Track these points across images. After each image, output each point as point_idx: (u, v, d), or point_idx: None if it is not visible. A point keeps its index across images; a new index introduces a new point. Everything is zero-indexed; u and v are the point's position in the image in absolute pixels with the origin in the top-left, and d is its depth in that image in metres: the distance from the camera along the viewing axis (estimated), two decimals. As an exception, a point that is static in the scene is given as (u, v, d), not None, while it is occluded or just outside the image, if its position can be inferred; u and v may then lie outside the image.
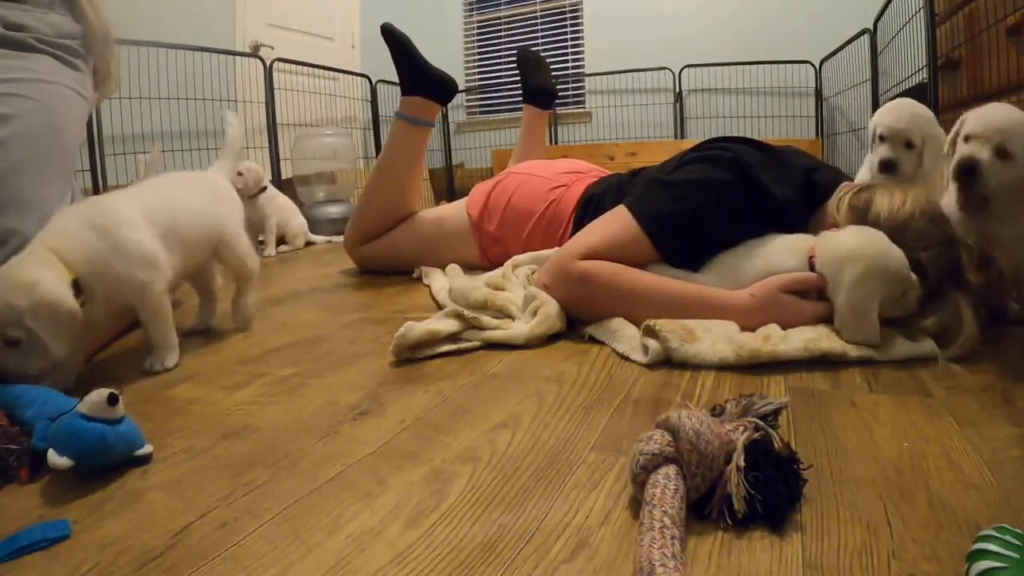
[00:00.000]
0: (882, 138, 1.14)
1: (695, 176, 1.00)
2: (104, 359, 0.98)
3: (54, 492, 0.54)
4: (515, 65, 2.00)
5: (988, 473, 0.51)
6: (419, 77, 1.54)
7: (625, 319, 0.94)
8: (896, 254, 0.81)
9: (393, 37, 1.51)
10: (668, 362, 0.83)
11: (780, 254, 0.93)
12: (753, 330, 0.87)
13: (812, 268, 0.89)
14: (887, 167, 1.10)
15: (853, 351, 0.80)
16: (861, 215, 0.89)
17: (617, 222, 1.01)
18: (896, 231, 0.84)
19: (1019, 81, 1.59)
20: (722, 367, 0.79)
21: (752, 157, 0.99)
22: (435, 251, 1.56)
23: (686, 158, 1.06)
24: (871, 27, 3.06)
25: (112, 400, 0.57)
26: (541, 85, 1.96)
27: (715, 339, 0.83)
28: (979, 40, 1.80)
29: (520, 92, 2.04)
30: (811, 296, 0.89)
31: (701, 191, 0.98)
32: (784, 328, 0.86)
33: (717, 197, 0.97)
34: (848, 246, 0.83)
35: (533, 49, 2.08)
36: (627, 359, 0.85)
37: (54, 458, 0.54)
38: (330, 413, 0.70)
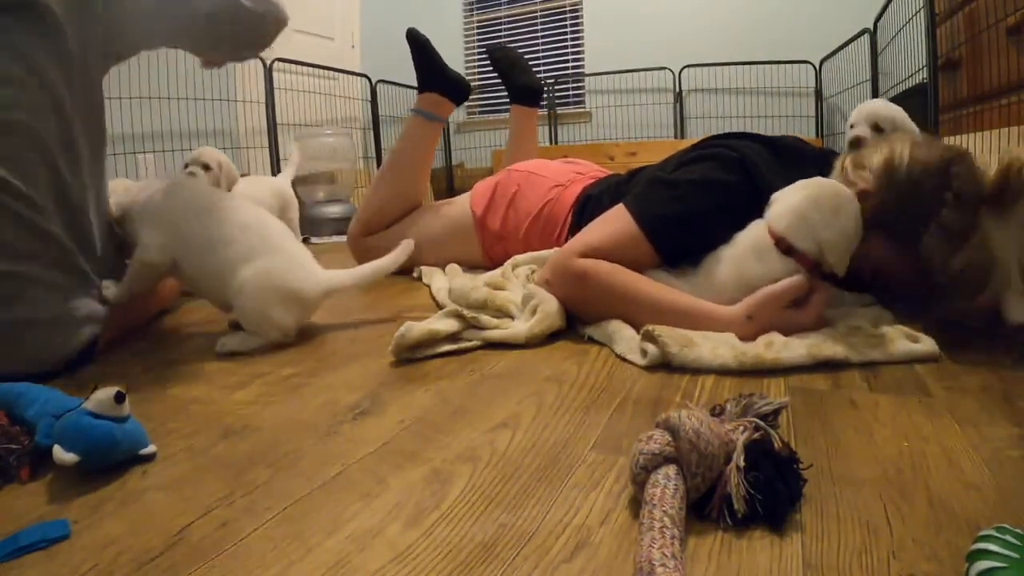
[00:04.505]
0: (852, 127, 1.27)
1: (696, 176, 0.99)
2: (107, 358, 0.98)
3: (54, 492, 0.54)
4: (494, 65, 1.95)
5: (988, 473, 0.51)
6: (437, 75, 1.64)
7: (622, 321, 0.93)
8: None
9: (416, 40, 1.62)
10: (667, 364, 0.82)
11: (751, 260, 0.89)
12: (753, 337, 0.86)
13: (784, 249, 0.86)
14: (856, 143, 1.26)
15: (855, 356, 0.79)
16: (887, 167, 0.86)
17: (616, 221, 1.00)
18: (937, 175, 0.83)
19: (1019, 81, 1.59)
20: (722, 372, 0.79)
21: (759, 156, 0.98)
22: (438, 247, 1.57)
23: (688, 156, 1.05)
24: (871, 27, 3.07)
25: (119, 398, 0.58)
26: (526, 84, 1.93)
27: (715, 344, 0.82)
28: (979, 40, 1.80)
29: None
30: (805, 300, 0.87)
31: (701, 191, 0.97)
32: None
33: (718, 198, 0.96)
34: (809, 190, 0.87)
35: (508, 46, 2.05)
36: (625, 360, 0.85)
37: (60, 454, 0.54)
38: (330, 413, 0.70)
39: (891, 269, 0.91)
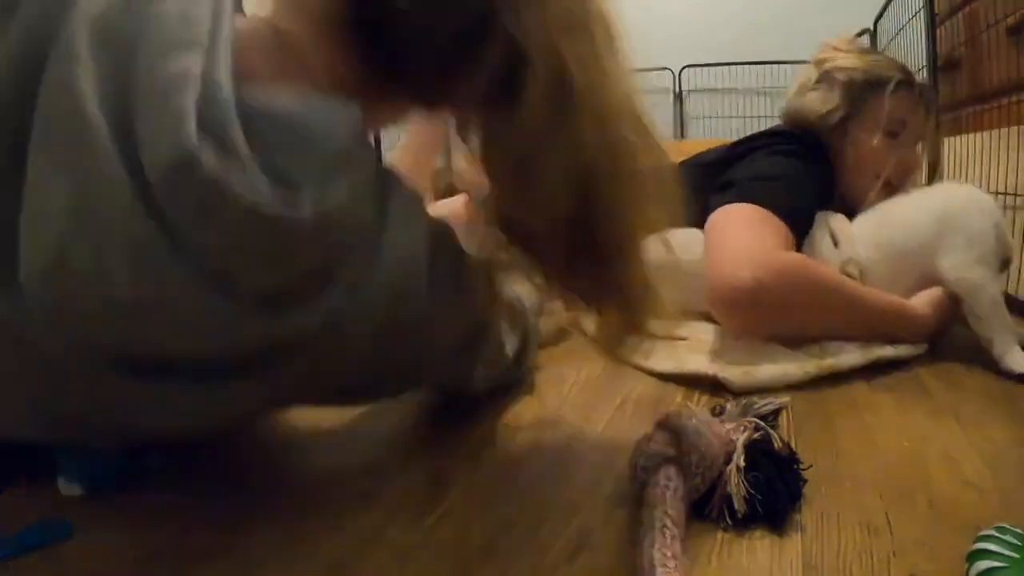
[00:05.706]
0: None
1: (780, 171, 0.95)
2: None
3: (54, 492, 0.54)
4: None
5: (988, 473, 0.51)
6: None
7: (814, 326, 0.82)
8: None
9: None
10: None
11: (826, 245, 0.93)
12: None
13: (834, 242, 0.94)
14: None
15: (904, 352, 0.78)
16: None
17: (752, 219, 0.85)
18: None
19: (1019, 81, 1.59)
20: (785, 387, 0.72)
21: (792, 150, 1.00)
22: None
23: (733, 158, 1.04)
24: (871, 27, 3.06)
25: None
26: None
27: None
28: (979, 40, 1.80)
29: None
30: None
31: (796, 183, 0.94)
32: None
33: (811, 184, 0.96)
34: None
35: None
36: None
37: (64, 486, 0.53)
38: (330, 413, 0.70)
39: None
